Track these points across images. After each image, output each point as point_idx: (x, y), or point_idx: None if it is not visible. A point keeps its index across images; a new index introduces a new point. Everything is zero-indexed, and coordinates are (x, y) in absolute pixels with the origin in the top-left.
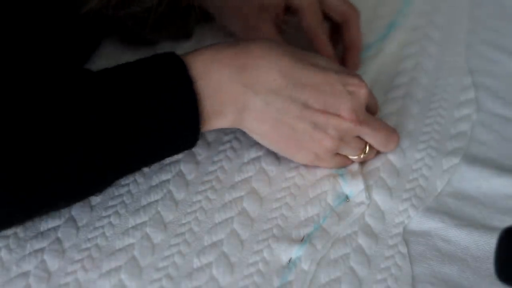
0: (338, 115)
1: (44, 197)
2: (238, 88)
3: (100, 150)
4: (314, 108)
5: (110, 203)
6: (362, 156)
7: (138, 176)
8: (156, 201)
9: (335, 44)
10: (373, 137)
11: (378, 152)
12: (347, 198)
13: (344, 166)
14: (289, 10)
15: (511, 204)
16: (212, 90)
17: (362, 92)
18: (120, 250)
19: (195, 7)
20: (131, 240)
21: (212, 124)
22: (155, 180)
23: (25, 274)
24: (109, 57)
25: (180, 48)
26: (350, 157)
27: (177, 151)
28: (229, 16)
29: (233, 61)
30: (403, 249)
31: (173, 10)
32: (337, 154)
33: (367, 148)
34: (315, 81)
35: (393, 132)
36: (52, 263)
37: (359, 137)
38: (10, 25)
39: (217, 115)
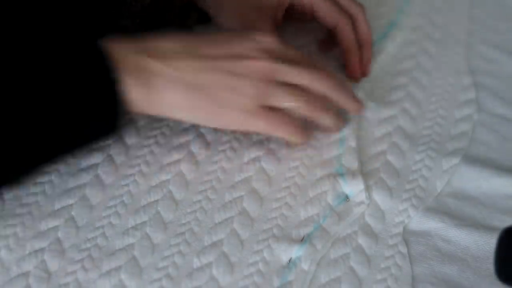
0: (251, 58)
1: None
2: (141, 56)
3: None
4: (224, 57)
5: (110, 203)
6: (298, 102)
7: (138, 176)
8: (156, 201)
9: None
10: (300, 76)
11: (322, 102)
12: (347, 198)
13: (286, 125)
14: (293, 9)
15: (511, 204)
16: (121, 67)
17: (270, 39)
18: (120, 250)
19: (194, 6)
20: (131, 240)
21: (127, 102)
22: (155, 180)
23: (25, 274)
24: None
25: None
26: (286, 105)
27: (99, 130)
28: (227, 16)
29: (138, 41)
30: (403, 249)
31: (171, 10)
32: (271, 109)
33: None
34: (220, 39)
35: (320, 69)
36: (52, 263)
37: (287, 84)
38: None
39: (128, 89)
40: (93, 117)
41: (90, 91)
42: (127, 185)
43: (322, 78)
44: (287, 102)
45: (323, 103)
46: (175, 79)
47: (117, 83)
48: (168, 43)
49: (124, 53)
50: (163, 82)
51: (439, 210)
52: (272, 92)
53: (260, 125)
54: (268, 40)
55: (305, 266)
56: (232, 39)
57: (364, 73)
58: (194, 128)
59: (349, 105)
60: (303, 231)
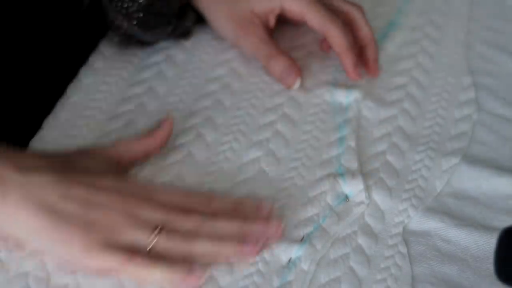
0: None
1: None
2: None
3: None
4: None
5: None
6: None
7: (138, 179)
8: None
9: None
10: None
11: None
12: (346, 198)
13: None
14: (285, 16)
15: (511, 204)
16: None
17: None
18: None
19: (192, 7)
20: None
21: None
22: (154, 181)
23: (25, 275)
24: (108, 57)
25: (179, 47)
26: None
27: None
28: (220, 20)
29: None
30: (403, 249)
31: (168, 10)
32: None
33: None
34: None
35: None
36: (52, 263)
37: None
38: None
39: None
40: None
41: None
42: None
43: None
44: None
45: None
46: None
47: None
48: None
49: None
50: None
51: (439, 210)
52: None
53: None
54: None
55: (304, 266)
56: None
57: (372, 72)
58: (194, 128)
59: None
60: (303, 231)
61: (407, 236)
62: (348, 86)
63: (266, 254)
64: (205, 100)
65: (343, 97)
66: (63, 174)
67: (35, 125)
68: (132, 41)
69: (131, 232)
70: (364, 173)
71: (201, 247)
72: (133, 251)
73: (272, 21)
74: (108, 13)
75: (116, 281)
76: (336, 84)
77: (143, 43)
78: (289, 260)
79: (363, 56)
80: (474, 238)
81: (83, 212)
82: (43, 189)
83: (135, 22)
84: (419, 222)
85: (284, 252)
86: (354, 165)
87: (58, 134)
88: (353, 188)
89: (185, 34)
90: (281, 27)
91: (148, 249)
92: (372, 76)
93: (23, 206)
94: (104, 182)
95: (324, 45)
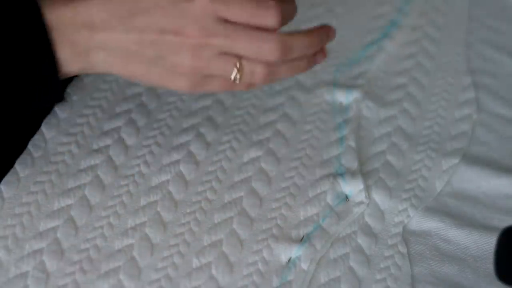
0: (181, 34)
1: None
2: (74, 29)
3: None
4: (153, 34)
5: (110, 203)
6: (238, 74)
7: (137, 177)
8: (156, 201)
9: None
10: (236, 47)
11: (280, 72)
12: (346, 198)
13: (231, 86)
14: None
15: (511, 204)
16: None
17: (198, 5)
18: (119, 250)
19: None
20: (130, 241)
21: (63, 69)
22: (154, 181)
23: (24, 275)
24: None
25: None
26: (231, 77)
27: (38, 96)
28: None
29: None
30: (403, 249)
31: None
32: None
33: (242, 63)
34: (145, 7)
35: (265, 37)
36: (51, 264)
37: (227, 53)
38: None
39: (64, 62)
40: (29, 77)
41: (24, 54)
42: (126, 185)
43: (261, 47)
44: (228, 75)
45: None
46: (111, 51)
47: (51, 46)
48: (97, 13)
49: (58, 23)
50: (101, 55)
51: (439, 210)
52: (212, 67)
53: (209, 89)
54: (197, 7)
55: (304, 266)
56: (163, 9)
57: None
58: (194, 128)
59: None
60: (303, 231)
61: (407, 236)
62: (348, 86)
63: (265, 254)
64: (205, 99)
65: (343, 97)
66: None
67: (35, 125)
68: None
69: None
70: (364, 173)
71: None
72: None
73: None
74: None
75: (116, 281)
76: (336, 84)
77: None
78: (289, 260)
79: None
80: (474, 238)
81: (161, 59)
82: (114, 43)
83: None
84: (419, 222)
85: (284, 252)
86: (354, 165)
87: (58, 133)
88: (353, 188)
89: None
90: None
91: None
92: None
93: (110, 63)
94: None
95: None
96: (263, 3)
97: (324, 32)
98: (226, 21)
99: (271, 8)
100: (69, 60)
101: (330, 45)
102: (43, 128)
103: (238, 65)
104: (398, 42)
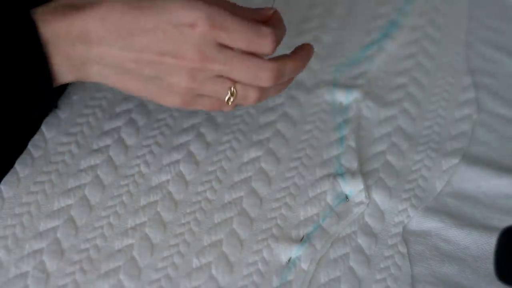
0: (180, 57)
1: None
2: (70, 42)
3: None
4: (151, 55)
5: (109, 203)
6: (232, 97)
7: (137, 177)
8: (156, 201)
9: None
10: (232, 72)
11: (271, 92)
12: (346, 198)
13: (221, 107)
14: None
15: (511, 204)
16: (50, 46)
17: (198, 30)
18: (119, 250)
19: None
20: (130, 241)
21: (58, 80)
22: (154, 181)
23: (24, 275)
24: None
25: None
26: (224, 99)
27: (33, 105)
28: None
29: (69, 17)
30: (403, 249)
31: None
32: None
33: (236, 87)
34: (146, 27)
35: (260, 65)
36: (51, 264)
37: (222, 77)
38: None
39: (58, 73)
40: (24, 89)
41: (19, 66)
42: (126, 185)
43: (257, 75)
44: (221, 97)
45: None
46: (105, 66)
47: (46, 59)
48: (94, 28)
49: (53, 36)
50: (95, 68)
51: (439, 210)
52: (206, 89)
53: (198, 107)
54: (197, 32)
55: (304, 266)
56: (163, 31)
57: None
58: (194, 128)
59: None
60: (303, 231)
61: (407, 236)
62: (348, 86)
63: (265, 254)
64: None
65: (343, 97)
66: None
67: (35, 125)
68: None
69: None
70: (364, 173)
71: None
72: None
73: None
74: None
75: (116, 281)
76: (336, 84)
77: None
78: (289, 260)
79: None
80: (474, 238)
81: (157, 79)
82: (110, 60)
83: None
84: (419, 222)
85: (284, 252)
86: (354, 165)
87: (58, 133)
88: (353, 188)
89: None
90: None
91: None
92: None
93: (104, 75)
94: None
95: None
96: (260, 30)
97: (306, 53)
98: (224, 46)
99: (268, 36)
100: (64, 71)
101: (330, 45)
102: (43, 128)
103: (232, 89)
104: (398, 42)
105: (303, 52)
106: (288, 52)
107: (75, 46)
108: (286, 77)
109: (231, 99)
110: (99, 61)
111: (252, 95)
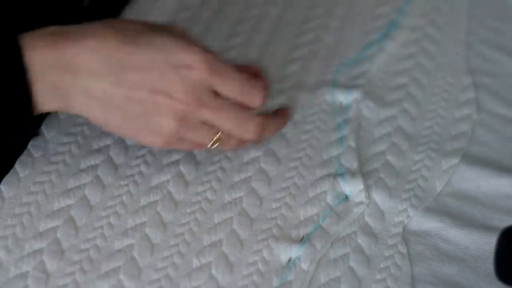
0: (173, 98)
1: None
2: (57, 71)
3: None
4: (143, 92)
5: (109, 203)
6: (215, 144)
7: (137, 177)
8: (156, 201)
9: None
10: (220, 121)
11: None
12: (346, 198)
13: (200, 148)
14: None
15: (511, 204)
16: (35, 74)
17: (196, 74)
18: (119, 250)
19: None
20: (130, 241)
21: (40, 107)
22: (154, 181)
23: (24, 275)
24: None
25: None
26: (207, 144)
27: (13, 134)
28: None
29: (58, 48)
30: (403, 249)
31: None
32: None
33: (220, 136)
34: (141, 64)
35: (248, 119)
36: (51, 264)
37: (207, 123)
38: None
39: (41, 101)
40: (3, 115)
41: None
42: (126, 185)
43: (242, 127)
44: (203, 142)
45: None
46: (90, 99)
47: (27, 86)
48: (85, 59)
49: (40, 64)
50: (79, 100)
51: (439, 210)
52: (191, 132)
53: (179, 147)
54: (194, 75)
55: (304, 266)
56: (159, 69)
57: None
58: None
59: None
60: (303, 231)
61: (406, 236)
62: (348, 86)
63: (265, 254)
64: None
65: (343, 97)
66: (115, 79)
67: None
68: None
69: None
70: (364, 173)
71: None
72: None
73: None
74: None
75: (116, 281)
76: (336, 84)
77: None
78: (289, 260)
79: None
80: (474, 238)
81: (144, 118)
82: (97, 94)
83: None
84: (419, 222)
85: (284, 252)
86: (354, 165)
87: (58, 133)
88: (353, 188)
89: None
90: (280, 27)
91: None
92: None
93: (88, 107)
94: None
95: None
96: (255, 83)
97: (287, 114)
98: (216, 94)
99: (260, 90)
100: (47, 100)
101: (331, 45)
102: (43, 128)
103: (216, 137)
104: (398, 42)
105: (284, 113)
106: (288, 52)
107: (62, 76)
108: (268, 132)
109: (214, 146)
110: (85, 93)
111: (234, 143)
